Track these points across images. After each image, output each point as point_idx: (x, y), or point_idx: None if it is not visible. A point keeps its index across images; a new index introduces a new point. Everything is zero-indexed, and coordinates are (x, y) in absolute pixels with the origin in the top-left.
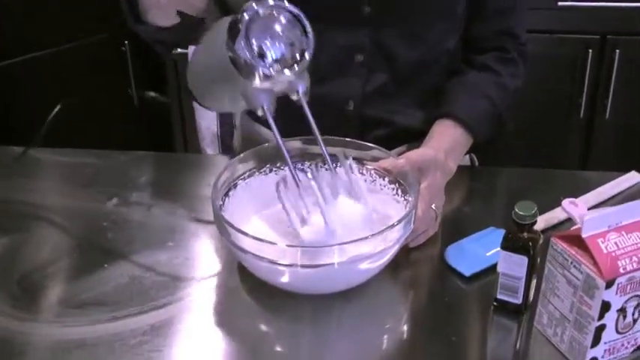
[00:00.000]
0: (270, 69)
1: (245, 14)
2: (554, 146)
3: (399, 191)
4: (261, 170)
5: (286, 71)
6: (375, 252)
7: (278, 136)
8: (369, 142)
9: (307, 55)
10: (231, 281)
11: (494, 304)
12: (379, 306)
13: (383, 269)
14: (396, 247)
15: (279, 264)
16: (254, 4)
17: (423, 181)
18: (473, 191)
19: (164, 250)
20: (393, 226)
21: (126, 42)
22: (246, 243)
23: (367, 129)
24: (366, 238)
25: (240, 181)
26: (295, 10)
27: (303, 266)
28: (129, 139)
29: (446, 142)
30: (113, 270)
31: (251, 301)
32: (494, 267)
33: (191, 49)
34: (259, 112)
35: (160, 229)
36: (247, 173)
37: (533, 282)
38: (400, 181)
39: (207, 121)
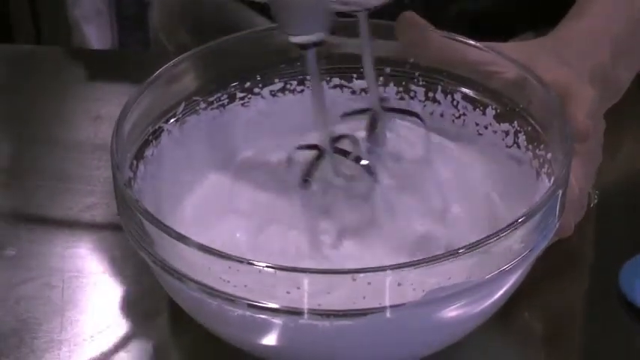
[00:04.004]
0: None
1: None
2: None
3: (521, 137)
4: (214, 97)
5: None
6: (477, 281)
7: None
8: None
9: None
10: (148, 344)
11: None
12: None
13: (492, 315)
14: (520, 272)
15: (267, 309)
16: None
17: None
18: None
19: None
20: (516, 224)
21: None
22: (191, 260)
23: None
24: (457, 253)
25: (171, 125)
26: None
27: (314, 314)
28: None
29: (614, 18)
30: None
31: None
32: None
33: None
34: (295, 39)
35: None
36: (183, 105)
37: None
38: (526, 111)
39: None
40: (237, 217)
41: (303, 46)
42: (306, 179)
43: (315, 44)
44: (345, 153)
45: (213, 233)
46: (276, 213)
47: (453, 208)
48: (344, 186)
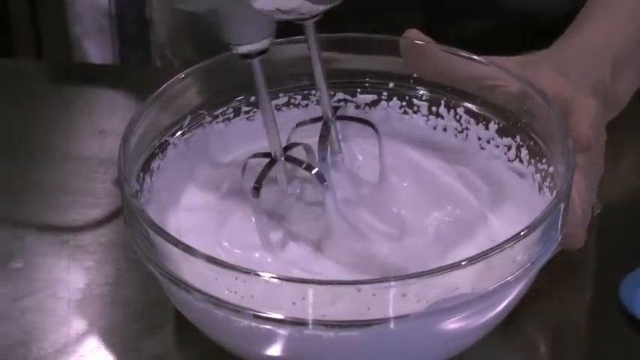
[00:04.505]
0: None
1: None
2: None
3: (524, 151)
4: (219, 110)
5: None
6: (480, 293)
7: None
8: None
9: None
10: (153, 355)
11: None
12: None
13: (494, 328)
14: (526, 280)
15: (272, 319)
16: None
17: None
18: None
19: (2, 278)
20: (518, 236)
21: None
22: (197, 271)
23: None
24: (461, 264)
25: (177, 139)
26: None
27: (318, 324)
28: None
29: (615, 35)
30: None
31: None
32: None
33: None
34: (240, 50)
35: None
36: (189, 118)
37: None
38: (528, 126)
39: None
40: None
41: (249, 55)
42: (255, 187)
43: (259, 53)
44: (297, 161)
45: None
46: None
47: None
48: (296, 193)
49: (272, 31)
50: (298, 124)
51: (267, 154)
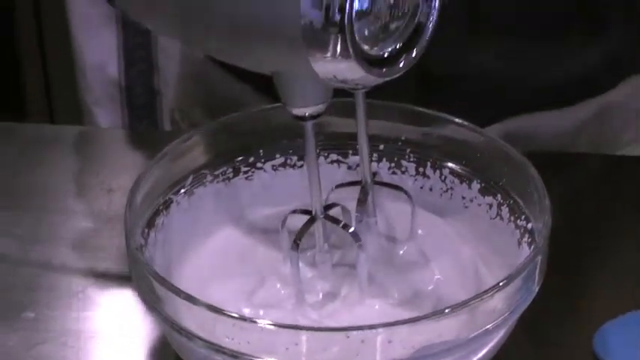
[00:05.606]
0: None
1: None
2: None
3: (504, 209)
4: (219, 170)
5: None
6: (461, 341)
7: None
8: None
9: (432, 19)
10: None
11: None
12: None
13: None
14: (503, 332)
15: None
16: None
17: None
18: None
19: (17, 326)
20: (497, 287)
21: None
22: (197, 319)
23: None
24: (444, 312)
25: (180, 197)
26: None
27: None
28: None
29: None
30: None
31: None
32: None
33: None
34: (295, 112)
35: (6, 284)
36: (191, 178)
37: None
38: (508, 186)
39: (97, 52)
40: (235, 275)
41: (303, 118)
42: (296, 242)
43: (313, 117)
44: (335, 220)
45: (213, 290)
46: (270, 272)
47: (436, 281)
48: (332, 251)
49: (328, 97)
50: (337, 186)
51: (307, 212)
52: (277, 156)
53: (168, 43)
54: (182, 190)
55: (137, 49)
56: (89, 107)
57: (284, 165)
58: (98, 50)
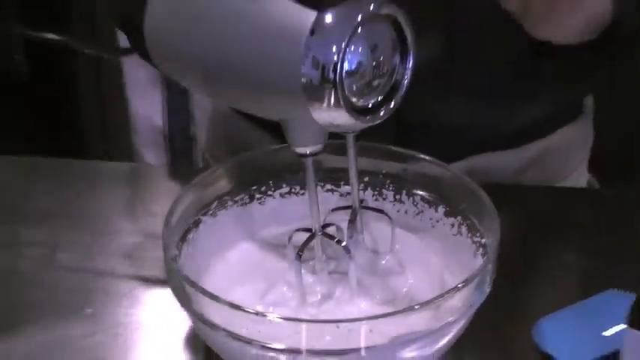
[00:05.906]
0: (368, 98)
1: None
2: None
3: (464, 228)
4: (238, 197)
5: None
6: (428, 331)
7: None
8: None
9: (406, 77)
10: None
11: None
12: None
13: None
14: (462, 324)
15: (275, 349)
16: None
17: None
18: (586, 231)
19: (79, 320)
20: (456, 289)
21: None
22: (219, 314)
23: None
24: (414, 308)
25: (206, 218)
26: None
27: (310, 353)
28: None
29: None
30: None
31: None
32: (615, 355)
33: None
34: (298, 150)
35: (70, 287)
36: (216, 203)
37: None
38: (467, 209)
39: (146, 106)
40: (251, 280)
41: (304, 155)
42: (299, 254)
43: (313, 154)
44: (331, 237)
45: (233, 292)
46: (278, 278)
47: (410, 285)
48: (328, 261)
49: (324, 139)
50: (332, 210)
51: (308, 230)
52: (284, 186)
53: (201, 99)
54: (209, 212)
55: (177, 104)
56: (139, 149)
57: (289, 193)
58: (146, 104)
